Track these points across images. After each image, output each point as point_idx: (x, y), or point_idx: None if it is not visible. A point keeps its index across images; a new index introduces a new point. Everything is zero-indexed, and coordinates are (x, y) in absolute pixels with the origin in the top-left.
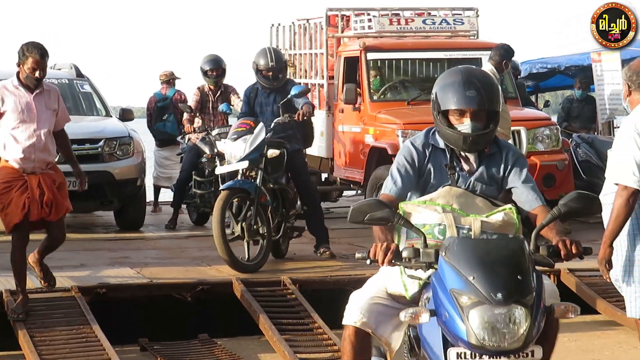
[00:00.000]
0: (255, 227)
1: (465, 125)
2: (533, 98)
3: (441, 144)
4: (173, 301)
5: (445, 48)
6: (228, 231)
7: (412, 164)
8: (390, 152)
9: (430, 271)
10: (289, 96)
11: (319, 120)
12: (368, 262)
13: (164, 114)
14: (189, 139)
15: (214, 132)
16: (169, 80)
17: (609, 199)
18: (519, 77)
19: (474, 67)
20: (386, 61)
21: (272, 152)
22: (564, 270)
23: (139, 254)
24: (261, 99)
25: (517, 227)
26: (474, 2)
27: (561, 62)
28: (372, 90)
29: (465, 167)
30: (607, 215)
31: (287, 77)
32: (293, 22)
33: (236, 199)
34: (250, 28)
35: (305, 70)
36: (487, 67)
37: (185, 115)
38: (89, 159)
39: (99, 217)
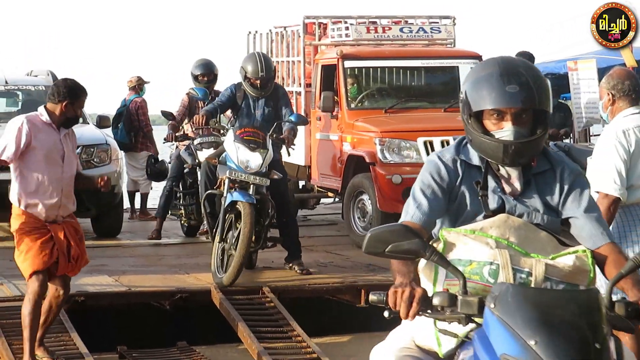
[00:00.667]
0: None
1: (505, 131)
2: None
3: (475, 159)
4: (151, 309)
5: (422, 56)
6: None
7: (441, 184)
8: (367, 160)
9: (471, 326)
10: (287, 122)
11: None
12: (386, 314)
13: (119, 120)
14: (176, 147)
15: (196, 142)
16: (135, 86)
17: None
18: None
19: (513, 56)
20: (363, 69)
21: (275, 175)
22: None
23: (117, 261)
24: (250, 102)
25: (591, 277)
26: (450, 10)
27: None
28: (349, 98)
29: (507, 187)
30: None
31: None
32: (270, 30)
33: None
34: (228, 35)
35: (283, 78)
36: None
37: (170, 123)
38: None
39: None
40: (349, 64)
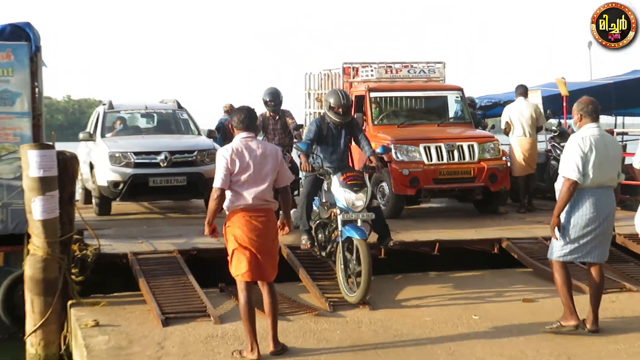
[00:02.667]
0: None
1: None
2: None
3: None
4: None
5: (423, 89)
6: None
7: None
8: (386, 159)
9: None
10: (373, 154)
11: None
12: None
13: (218, 134)
14: None
15: None
16: (228, 110)
17: (559, 186)
18: (475, 108)
19: None
20: (383, 98)
21: (375, 202)
22: (504, 240)
23: (219, 226)
24: (333, 132)
25: None
26: (442, 57)
27: (501, 97)
28: (373, 118)
29: None
30: (557, 197)
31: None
32: (320, 71)
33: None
34: (290, 75)
35: None
36: (525, 99)
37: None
38: (188, 164)
39: (192, 203)
40: (373, 94)
